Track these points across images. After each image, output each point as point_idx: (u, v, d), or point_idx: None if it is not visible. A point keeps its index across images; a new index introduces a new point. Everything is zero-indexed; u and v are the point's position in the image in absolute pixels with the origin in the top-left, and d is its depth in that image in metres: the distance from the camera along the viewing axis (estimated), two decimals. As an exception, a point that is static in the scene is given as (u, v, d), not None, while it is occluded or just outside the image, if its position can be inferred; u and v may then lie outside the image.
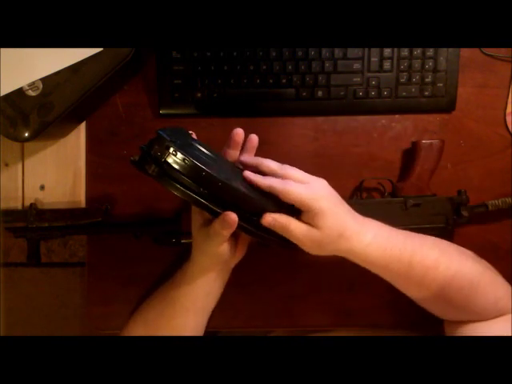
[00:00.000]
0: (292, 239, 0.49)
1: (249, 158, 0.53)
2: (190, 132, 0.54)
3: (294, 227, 0.48)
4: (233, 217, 0.46)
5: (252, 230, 0.49)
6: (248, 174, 0.49)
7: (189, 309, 0.56)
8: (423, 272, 0.50)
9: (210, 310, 0.59)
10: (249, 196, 0.47)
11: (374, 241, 0.49)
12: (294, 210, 0.49)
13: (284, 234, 0.49)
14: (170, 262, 0.64)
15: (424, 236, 0.53)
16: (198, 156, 0.46)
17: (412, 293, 0.53)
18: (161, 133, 0.44)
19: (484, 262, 0.54)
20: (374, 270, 0.51)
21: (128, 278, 0.65)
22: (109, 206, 0.61)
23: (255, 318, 0.66)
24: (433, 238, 0.54)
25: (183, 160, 0.44)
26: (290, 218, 0.48)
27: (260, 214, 0.48)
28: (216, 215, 0.47)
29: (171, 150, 0.43)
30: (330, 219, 0.48)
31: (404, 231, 0.53)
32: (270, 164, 0.50)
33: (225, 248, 0.51)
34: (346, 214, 0.50)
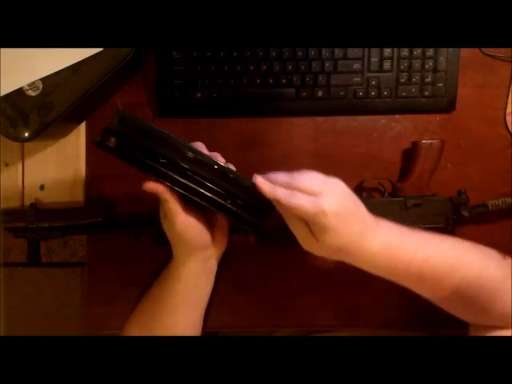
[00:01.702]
0: (292, 229, 0.48)
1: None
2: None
3: (296, 227, 0.47)
4: (156, 185, 0.46)
5: (228, 208, 0.47)
6: (258, 179, 0.46)
7: (178, 306, 0.56)
8: (435, 282, 0.48)
9: (203, 305, 0.58)
10: (208, 165, 0.46)
11: (380, 251, 0.47)
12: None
13: (287, 222, 0.48)
14: (162, 263, 0.64)
15: (442, 239, 0.50)
16: (158, 128, 0.46)
17: (425, 295, 0.51)
18: (119, 109, 0.45)
19: (509, 265, 0.50)
20: (380, 275, 0.50)
21: (128, 278, 0.65)
22: (109, 206, 0.61)
23: (255, 318, 0.66)
24: (452, 240, 0.50)
25: (142, 127, 0.44)
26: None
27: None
28: (177, 184, 0.46)
29: (130, 119, 0.44)
30: (332, 237, 0.45)
31: (419, 234, 0.50)
32: (279, 177, 0.46)
33: (181, 222, 0.50)
34: (352, 228, 0.46)
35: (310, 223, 0.45)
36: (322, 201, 0.44)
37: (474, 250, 0.50)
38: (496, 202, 0.60)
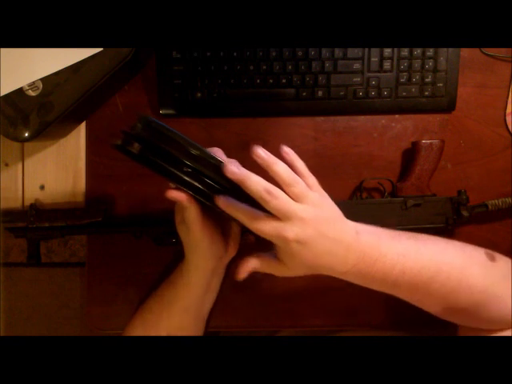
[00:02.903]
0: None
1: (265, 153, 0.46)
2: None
3: (263, 267, 0.48)
4: (180, 195, 0.45)
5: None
6: (230, 170, 0.43)
7: (187, 309, 0.56)
8: (411, 290, 0.48)
9: (209, 309, 0.60)
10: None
11: (353, 269, 0.46)
12: None
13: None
14: (170, 262, 0.64)
15: (425, 247, 0.48)
16: (183, 135, 0.45)
17: (404, 299, 0.50)
18: (142, 114, 0.44)
19: (496, 267, 0.49)
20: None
21: (128, 277, 0.65)
22: (109, 206, 0.61)
23: (255, 318, 0.66)
24: (434, 247, 0.49)
25: (167, 134, 0.43)
26: (254, 260, 0.48)
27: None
28: (203, 196, 0.45)
29: (154, 125, 0.43)
30: (296, 260, 0.45)
31: (402, 242, 0.48)
32: (260, 181, 0.43)
33: (199, 233, 0.50)
34: (321, 251, 0.45)
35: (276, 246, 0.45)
36: (285, 228, 0.43)
37: (457, 255, 0.49)
38: (496, 201, 0.60)
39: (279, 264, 0.47)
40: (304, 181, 0.45)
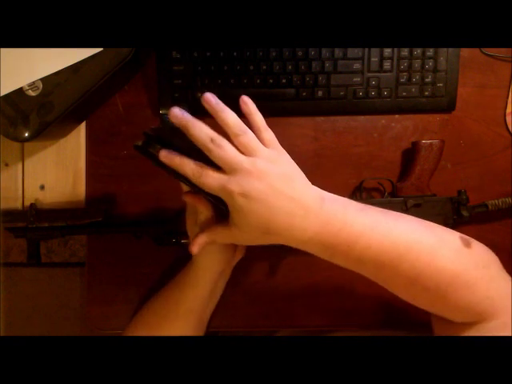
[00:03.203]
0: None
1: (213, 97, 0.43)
2: None
3: (216, 237, 0.47)
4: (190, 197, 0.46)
5: None
6: (174, 114, 0.41)
7: (193, 310, 0.56)
8: (377, 268, 0.44)
9: (211, 310, 0.60)
10: None
11: (315, 237, 0.43)
12: None
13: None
14: (171, 263, 0.64)
15: (395, 222, 0.45)
16: None
17: (370, 278, 0.47)
18: (165, 116, 0.44)
19: (470, 254, 0.46)
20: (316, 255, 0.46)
21: (128, 278, 0.65)
22: (109, 206, 0.61)
23: (255, 319, 0.66)
24: (406, 224, 0.45)
25: (189, 139, 0.42)
26: (206, 232, 0.47)
27: None
28: (219, 201, 0.44)
29: (178, 129, 0.42)
30: (246, 219, 0.42)
31: (371, 214, 0.45)
32: (206, 130, 0.42)
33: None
34: (275, 209, 0.41)
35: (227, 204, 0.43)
36: (229, 180, 0.41)
37: (429, 236, 0.45)
38: (496, 201, 0.60)
39: (231, 228, 0.44)
40: (260, 135, 0.43)
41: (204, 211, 0.48)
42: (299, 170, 0.44)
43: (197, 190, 0.45)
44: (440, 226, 0.47)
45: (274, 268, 0.65)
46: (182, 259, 0.59)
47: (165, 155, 0.42)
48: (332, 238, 0.43)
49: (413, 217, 0.47)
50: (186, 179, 0.44)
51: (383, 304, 0.65)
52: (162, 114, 0.44)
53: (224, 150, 0.41)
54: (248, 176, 0.40)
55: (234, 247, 0.54)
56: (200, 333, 0.60)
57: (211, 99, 0.42)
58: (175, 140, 0.43)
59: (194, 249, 0.47)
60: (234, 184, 0.40)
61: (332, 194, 0.45)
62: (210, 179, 0.41)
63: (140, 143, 0.44)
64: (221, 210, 0.46)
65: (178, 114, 0.41)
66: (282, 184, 0.41)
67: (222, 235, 0.46)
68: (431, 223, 0.47)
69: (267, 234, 0.43)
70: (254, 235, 0.44)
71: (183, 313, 0.56)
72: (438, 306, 0.46)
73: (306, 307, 0.65)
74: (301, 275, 0.65)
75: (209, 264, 0.54)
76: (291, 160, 0.44)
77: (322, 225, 0.42)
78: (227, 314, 0.65)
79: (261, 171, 0.41)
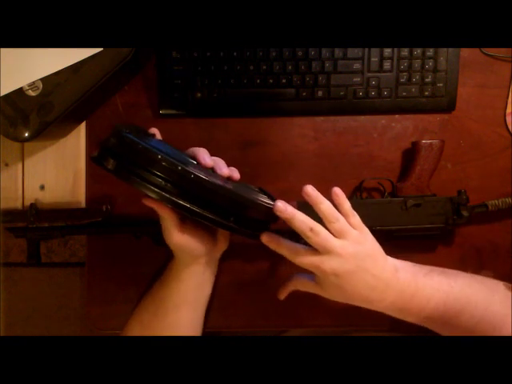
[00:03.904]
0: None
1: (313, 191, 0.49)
2: (153, 132, 0.53)
3: (303, 288, 0.53)
4: (150, 202, 0.47)
5: (227, 225, 0.46)
6: (279, 209, 0.47)
7: (180, 305, 0.56)
8: (443, 322, 0.51)
9: (204, 303, 0.59)
10: (211, 184, 0.44)
11: (390, 305, 0.50)
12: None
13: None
14: (163, 263, 0.64)
15: (455, 280, 0.52)
16: (156, 147, 0.44)
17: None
18: (117, 126, 0.44)
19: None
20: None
21: (128, 278, 0.65)
22: (109, 206, 0.61)
23: (256, 319, 0.66)
24: (462, 280, 0.52)
25: (140, 150, 0.43)
26: (294, 282, 0.54)
27: (230, 206, 0.46)
28: (177, 206, 0.44)
29: (128, 141, 0.43)
30: (334, 291, 0.50)
31: (433, 277, 0.51)
32: (302, 223, 0.47)
33: (178, 238, 0.51)
34: (358, 287, 0.49)
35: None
36: (323, 261, 0.47)
37: (482, 286, 0.53)
38: (496, 202, 0.60)
39: (318, 289, 0.51)
40: (348, 220, 0.49)
41: (166, 217, 0.49)
42: (379, 246, 0.51)
43: (164, 202, 0.44)
44: (487, 278, 0.54)
45: (275, 268, 0.65)
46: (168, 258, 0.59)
47: (267, 239, 0.49)
48: (406, 304, 0.50)
49: (465, 273, 0.54)
50: (144, 190, 0.44)
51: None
52: (115, 126, 0.44)
53: (320, 236, 0.47)
54: (340, 258, 0.47)
55: (213, 240, 0.55)
56: (197, 326, 0.59)
57: (312, 193, 0.48)
58: (126, 153, 0.44)
59: (282, 296, 0.56)
60: (327, 265, 0.47)
61: (401, 262, 0.52)
62: (306, 260, 0.48)
63: (95, 154, 0.45)
64: (181, 213, 0.46)
65: (283, 209, 0.47)
66: (367, 263, 0.49)
67: (309, 290, 0.53)
68: (479, 276, 0.54)
69: (348, 300, 0.51)
70: (336, 299, 0.51)
71: (172, 308, 0.56)
72: None
73: (307, 307, 0.65)
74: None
75: (188, 260, 0.54)
76: (374, 239, 0.51)
77: (398, 294, 0.50)
78: (228, 314, 0.65)
79: (350, 254, 0.48)
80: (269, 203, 0.48)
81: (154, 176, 0.44)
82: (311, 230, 0.47)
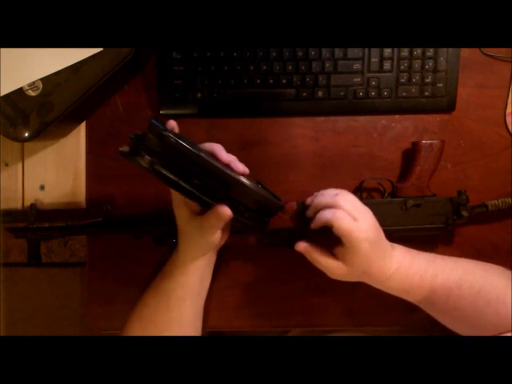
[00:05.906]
0: (318, 267, 0.53)
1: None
2: (171, 126, 0.53)
3: (324, 262, 0.52)
4: (227, 210, 0.46)
5: (244, 221, 0.48)
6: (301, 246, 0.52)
7: (185, 298, 0.57)
8: (446, 294, 0.52)
9: (205, 295, 0.60)
10: (248, 187, 0.45)
11: (396, 273, 0.52)
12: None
13: (312, 262, 0.53)
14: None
15: (445, 257, 0.55)
16: (192, 144, 0.44)
17: (440, 316, 0.56)
18: (153, 121, 0.43)
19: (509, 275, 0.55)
20: (395, 294, 0.54)
21: (128, 277, 0.65)
22: (109, 206, 0.61)
23: (257, 319, 0.66)
24: (454, 258, 0.56)
25: (179, 148, 0.42)
26: (320, 252, 0.52)
27: (259, 207, 0.48)
28: (208, 206, 0.46)
29: (166, 138, 0.41)
30: (361, 259, 0.50)
31: (425, 253, 0.55)
32: (321, 200, 0.51)
33: (218, 237, 0.52)
34: (377, 253, 0.51)
35: (347, 244, 0.49)
36: (362, 226, 0.49)
37: (477, 263, 0.56)
38: (496, 202, 0.60)
39: (336, 261, 0.51)
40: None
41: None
42: None
43: (192, 199, 0.45)
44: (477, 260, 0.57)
45: (275, 268, 0.65)
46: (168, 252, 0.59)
47: (303, 247, 0.52)
48: (407, 271, 0.52)
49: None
50: (180, 189, 0.43)
51: (388, 303, 0.65)
52: (149, 119, 0.43)
53: (342, 204, 0.50)
54: (366, 222, 0.50)
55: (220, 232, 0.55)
56: (196, 322, 0.59)
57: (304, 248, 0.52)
58: (165, 152, 0.43)
59: (298, 248, 0.53)
60: (363, 231, 0.49)
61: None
62: (345, 225, 0.48)
63: (127, 149, 0.43)
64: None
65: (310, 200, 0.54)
66: (377, 232, 0.51)
67: (328, 265, 0.52)
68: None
69: (365, 273, 0.52)
70: (355, 274, 0.52)
71: (174, 302, 0.56)
72: (480, 325, 0.53)
73: (308, 307, 0.65)
74: (301, 275, 0.65)
75: (197, 252, 0.55)
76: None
77: (398, 262, 0.52)
78: (228, 314, 0.65)
79: (373, 223, 0.51)
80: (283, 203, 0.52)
81: (189, 175, 0.43)
82: (334, 200, 0.50)
